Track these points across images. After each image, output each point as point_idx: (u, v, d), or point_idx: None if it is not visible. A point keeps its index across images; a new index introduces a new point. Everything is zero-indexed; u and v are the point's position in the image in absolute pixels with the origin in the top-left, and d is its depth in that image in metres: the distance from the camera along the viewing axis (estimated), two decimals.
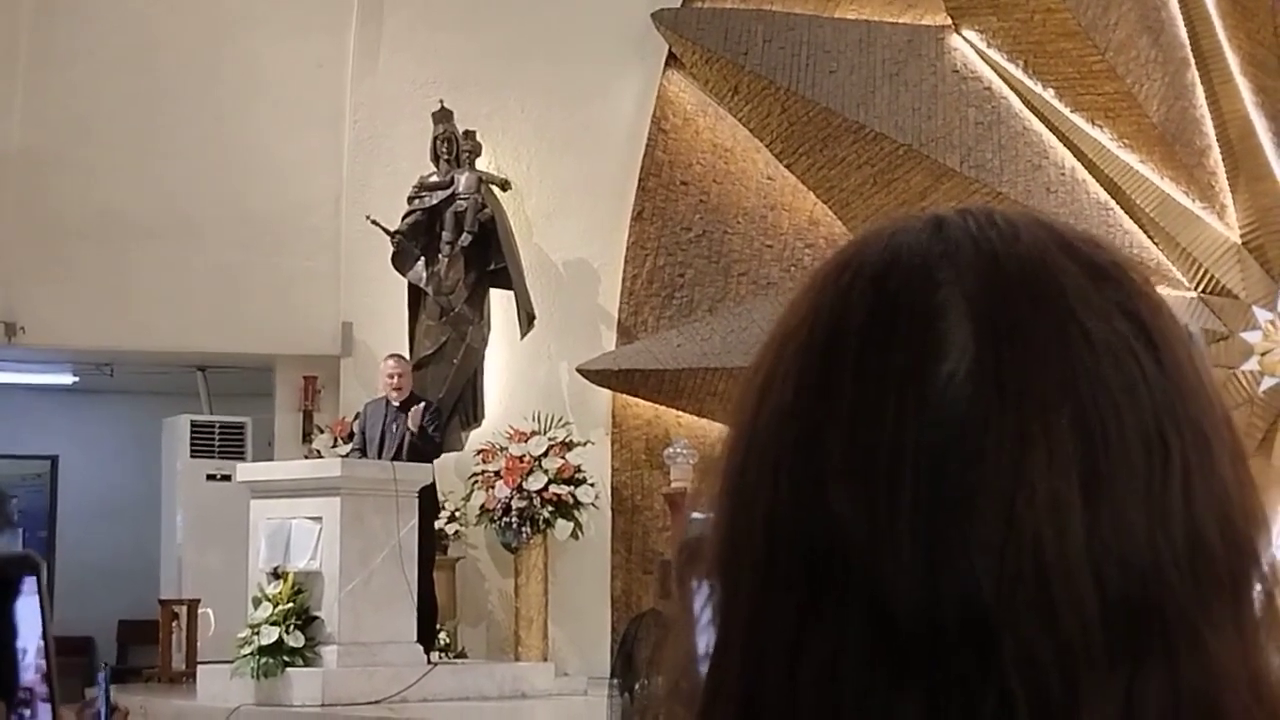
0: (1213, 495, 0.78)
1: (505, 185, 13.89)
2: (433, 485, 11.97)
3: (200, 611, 13.30)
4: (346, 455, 12.28)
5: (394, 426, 12.13)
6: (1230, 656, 0.77)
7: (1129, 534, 0.76)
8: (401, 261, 13.50)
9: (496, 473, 13.27)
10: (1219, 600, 0.77)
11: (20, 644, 0.99)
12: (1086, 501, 0.75)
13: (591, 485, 13.34)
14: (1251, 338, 13.37)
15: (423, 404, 12.13)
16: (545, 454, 13.30)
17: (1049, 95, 13.80)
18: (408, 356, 13.09)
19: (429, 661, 11.44)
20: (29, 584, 1.00)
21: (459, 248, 13.38)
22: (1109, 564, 0.75)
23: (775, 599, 0.78)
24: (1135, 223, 13.64)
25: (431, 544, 12.11)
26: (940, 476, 0.76)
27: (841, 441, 0.78)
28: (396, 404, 12.21)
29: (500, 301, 13.72)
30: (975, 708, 0.74)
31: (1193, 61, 13.67)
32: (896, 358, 0.78)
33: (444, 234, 13.44)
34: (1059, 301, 0.79)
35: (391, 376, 12.30)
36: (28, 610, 0.99)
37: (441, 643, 12.33)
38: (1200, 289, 13.53)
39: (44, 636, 0.99)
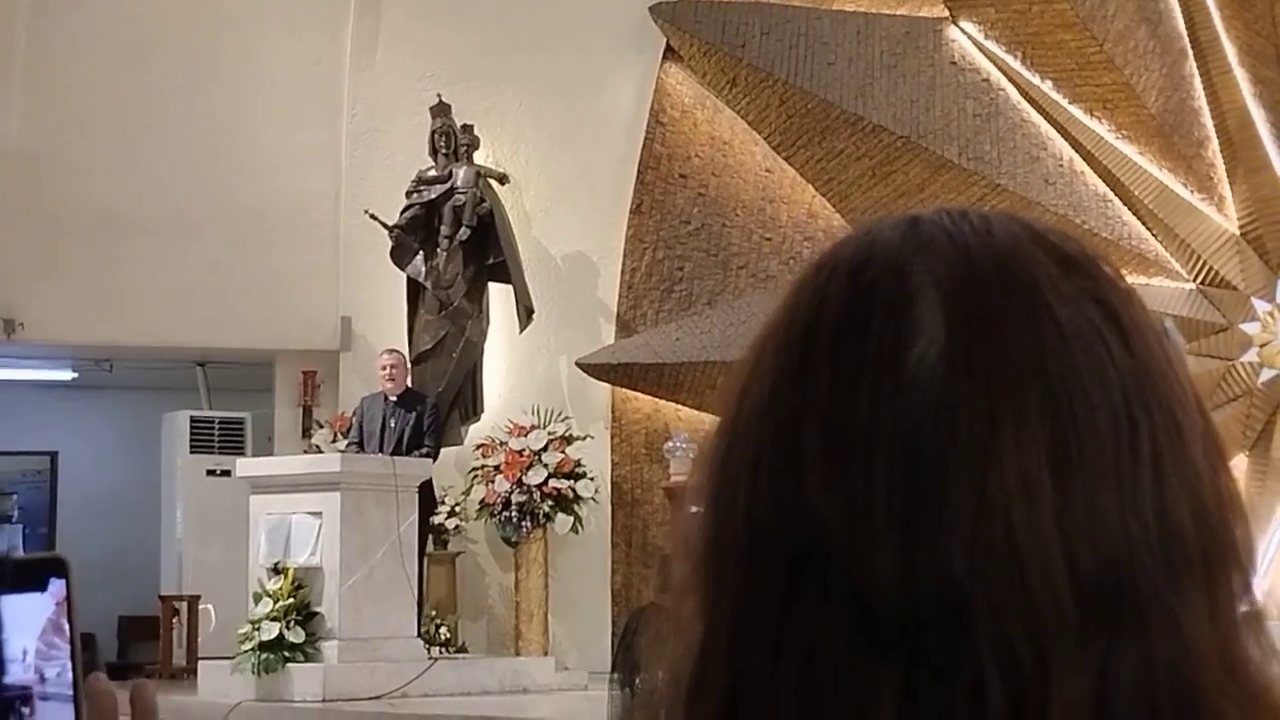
0: (1184, 478, 0.79)
1: (503, 179, 13.88)
2: (429, 481, 11.98)
3: (201, 607, 13.31)
4: (345, 450, 12.29)
5: (392, 421, 12.14)
6: (1203, 635, 0.78)
7: (1099, 513, 0.77)
8: (400, 256, 13.49)
9: (496, 467, 13.27)
10: (1190, 580, 0.78)
11: (21, 644, 0.99)
12: (1056, 481, 0.77)
13: (591, 479, 13.35)
14: (1250, 329, 13.36)
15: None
16: (545, 448, 13.31)
17: (1047, 87, 13.80)
18: (407, 351, 13.10)
19: (429, 656, 11.45)
20: (55, 585, 1.00)
21: (457, 242, 13.38)
22: (1080, 542, 0.76)
23: (757, 587, 0.80)
24: (1134, 214, 13.64)
25: (423, 540, 12.11)
26: (914, 458, 0.77)
27: (817, 429, 0.79)
28: (393, 398, 12.22)
29: (499, 295, 13.72)
30: (950, 685, 0.76)
31: (1191, 52, 13.66)
32: (870, 345, 0.80)
33: (442, 228, 13.43)
34: (1029, 289, 0.81)
35: (385, 369, 12.32)
36: (35, 609, 0.99)
37: (442, 637, 12.33)
38: (1199, 280, 13.53)
39: (71, 638, 1.00)
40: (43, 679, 0.99)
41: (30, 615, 0.99)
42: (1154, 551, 0.77)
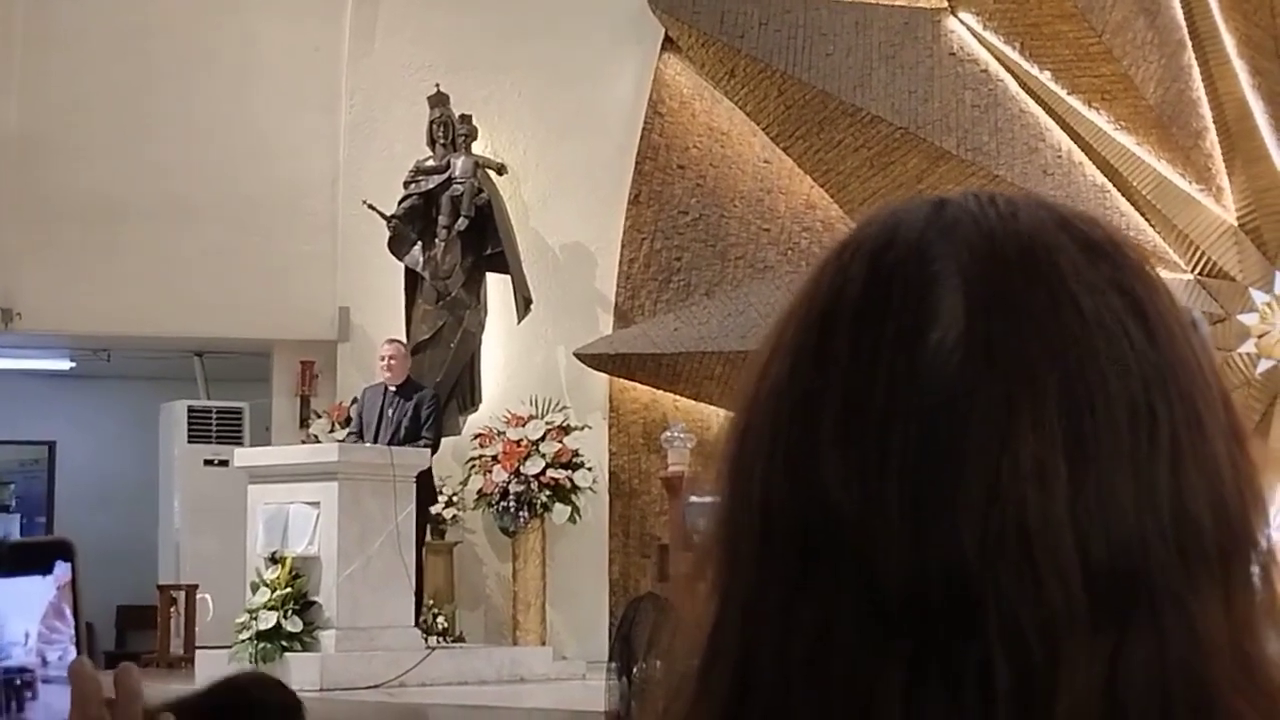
0: (1203, 471, 0.79)
1: (501, 169, 13.87)
2: (429, 471, 11.97)
3: (198, 597, 13.31)
4: (344, 440, 12.29)
5: (390, 411, 12.14)
6: (1217, 630, 0.77)
7: (1114, 503, 0.76)
8: (398, 246, 13.48)
9: (494, 457, 13.27)
10: (1206, 575, 0.78)
11: (23, 627, 0.99)
12: (1071, 470, 0.76)
13: (589, 469, 13.35)
14: (1248, 320, 13.37)
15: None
16: (543, 438, 13.31)
17: (1046, 78, 13.79)
18: (405, 341, 13.09)
19: (427, 646, 11.45)
20: (61, 569, 1.00)
21: (455, 232, 13.37)
22: (1093, 532, 0.76)
23: (771, 568, 0.80)
24: (1132, 205, 13.64)
25: (422, 529, 12.11)
26: (928, 442, 0.77)
27: (833, 410, 0.79)
28: (393, 388, 12.22)
29: (497, 286, 13.71)
30: (959, 672, 0.75)
31: (1189, 43, 13.66)
32: (889, 328, 0.79)
33: (440, 218, 13.42)
34: (1051, 275, 0.80)
35: (384, 359, 12.31)
36: (37, 592, 0.99)
37: (440, 627, 12.34)
38: (1197, 271, 13.53)
39: (75, 620, 1.00)
40: (45, 662, 1.00)
41: (32, 598, 0.99)
42: (1169, 544, 0.77)
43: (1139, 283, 0.82)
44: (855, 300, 0.81)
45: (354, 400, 12.72)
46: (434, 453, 12.10)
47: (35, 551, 1.02)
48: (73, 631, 1.00)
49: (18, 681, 0.99)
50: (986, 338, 0.78)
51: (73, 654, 1.00)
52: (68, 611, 1.01)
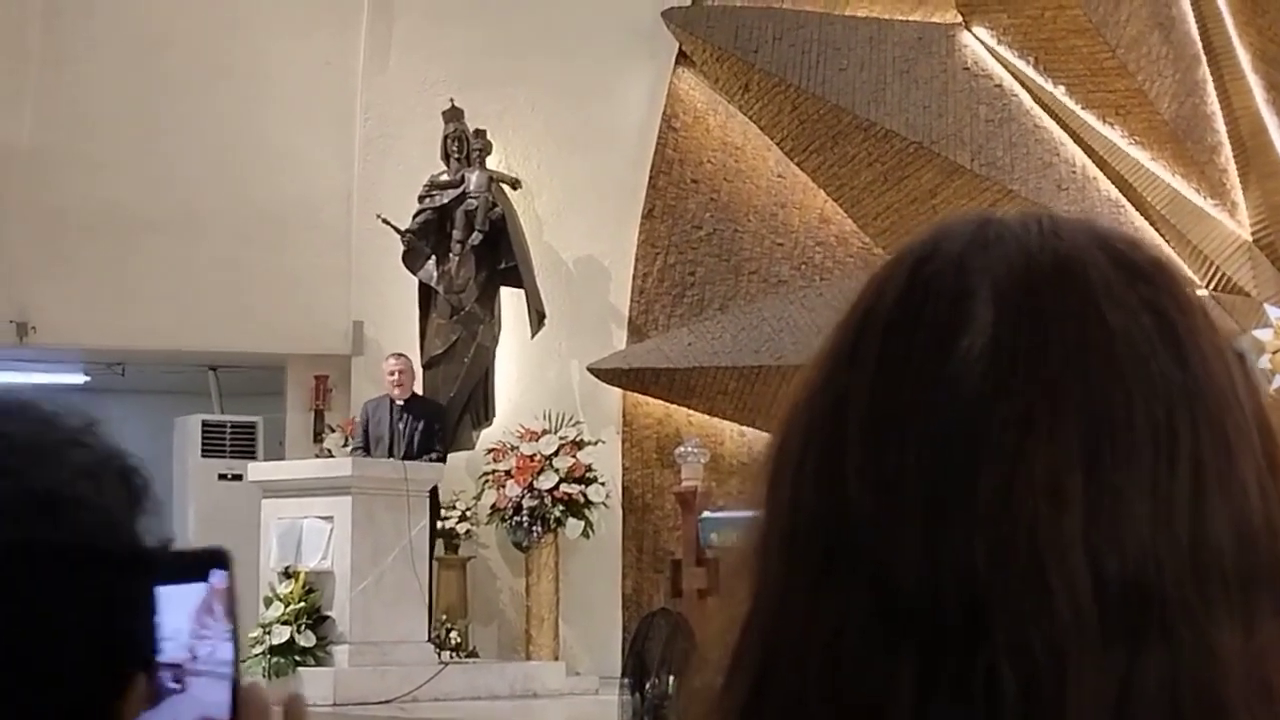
0: (1228, 496, 0.78)
1: (516, 184, 13.89)
2: (434, 489, 11.99)
3: None
4: (350, 454, 12.31)
5: (401, 425, 12.15)
6: (1234, 654, 0.76)
7: (1130, 522, 0.76)
8: (412, 260, 13.50)
9: (507, 471, 13.27)
10: (1225, 599, 0.77)
11: (175, 624, 1.05)
12: (1087, 485, 0.76)
13: (602, 484, 13.35)
14: (1263, 335, 13.33)
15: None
16: (556, 453, 13.31)
17: (1060, 92, 13.78)
18: (418, 355, 13.10)
19: (440, 660, 11.45)
20: (217, 575, 1.08)
21: (469, 246, 13.39)
22: (1106, 549, 0.75)
23: (796, 569, 0.81)
24: (1146, 220, 13.62)
25: (431, 544, 12.12)
26: (946, 449, 0.77)
27: (859, 414, 0.80)
28: (400, 402, 12.23)
29: (511, 300, 13.72)
30: (966, 680, 0.75)
31: (1204, 58, 13.64)
32: (919, 336, 0.80)
33: (454, 233, 13.44)
34: (1084, 292, 0.80)
35: (393, 374, 12.33)
36: (190, 594, 1.06)
37: (453, 642, 12.34)
38: (1211, 287, 13.50)
39: (233, 623, 1.06)
40: (195, 657, 1.06)
41: (186, 600, 1.07)
42: (1186, 566, 0.76)
43: (1174, 305, 0.82)
44: (890, 308, 0.82)
45: (360, 414, 12.75)
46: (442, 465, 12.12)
47: (192, 560, 1.10)
48: (225, 628, 1.06)
49: (170, 677, 1.05)
50: (1012, 348, 0.79)
51: (223, 649, 1.06)
52: (219, 609, 1.07)
